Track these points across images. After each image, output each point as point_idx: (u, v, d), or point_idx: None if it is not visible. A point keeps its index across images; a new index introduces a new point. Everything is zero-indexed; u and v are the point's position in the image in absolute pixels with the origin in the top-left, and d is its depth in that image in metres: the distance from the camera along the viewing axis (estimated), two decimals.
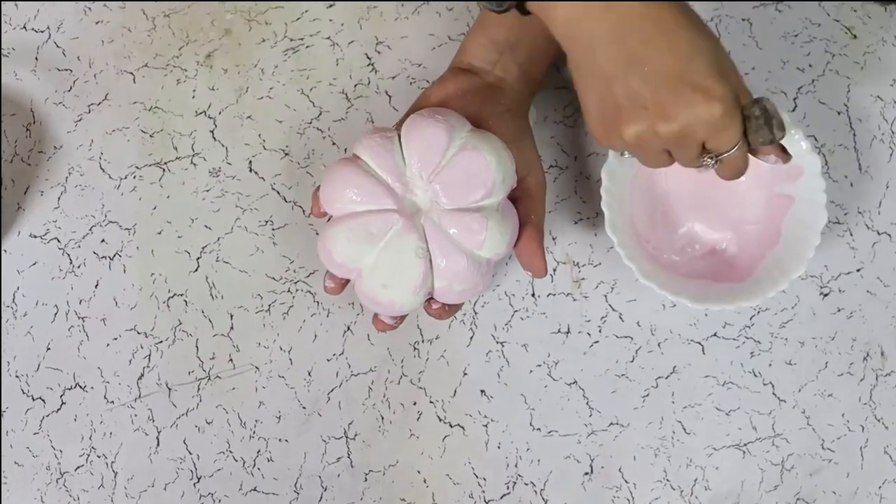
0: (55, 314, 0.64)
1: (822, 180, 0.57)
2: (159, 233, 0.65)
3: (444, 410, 0.62)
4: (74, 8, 0.67)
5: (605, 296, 0.62)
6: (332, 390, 0.62)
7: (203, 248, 0.64)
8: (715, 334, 0.62)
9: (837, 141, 0.63)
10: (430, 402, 0.62)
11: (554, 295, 0.63)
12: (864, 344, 0.61)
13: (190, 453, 0.62)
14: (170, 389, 0.63)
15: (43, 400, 0.63)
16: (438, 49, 0.65)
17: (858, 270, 0.62)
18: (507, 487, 0.61)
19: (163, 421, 0.63)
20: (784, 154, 0.49)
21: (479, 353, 0.62)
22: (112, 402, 0.63)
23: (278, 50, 0.66)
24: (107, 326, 0.64)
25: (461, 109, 0.56)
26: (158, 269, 0.64)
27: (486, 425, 0.61)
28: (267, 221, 0.64)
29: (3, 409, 0.63)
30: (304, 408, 0.62)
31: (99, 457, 0.63)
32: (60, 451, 0.63)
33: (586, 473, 0.61)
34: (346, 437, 0.62)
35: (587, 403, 0.61)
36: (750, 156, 0.49)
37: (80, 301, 0.64)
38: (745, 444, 0.61)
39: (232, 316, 0.63)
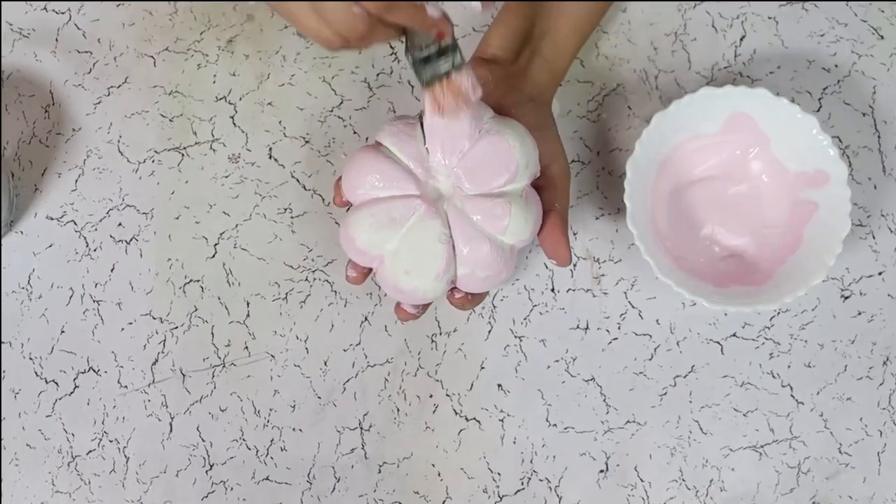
0: (70, 297, 0.64)
1: (847, 189, 0.56)
2: (177, 218, 0.64)
3: (461, 404, 0.61)
4: None
5: (625, 293, 0.62)
6: (347, 381, 0.62)
7: (221, 234, 0.64)
8: (734, 334, 0.61)
9: (862, 143, 0.63)
10: (447, 395, 0.61)
11: (573, 290, 0.62)
12: (885, 348, 0.61)
13: (203, 440, 0.62)
14: (184, 376, 0.62)
15: (56, 383, 0.63)
16: (462, 40, 0.64)
17: (880, 274, 0.62)
18: (522, 483, 0.61)
19: (176, 407, 0.62)
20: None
21: (497, 346, 0.62)
22: (125, 386, 0.63)
23: (301, 37, 0.65)
24: (122, 311, 0.63)
25: (484, 98, 0.56)
26: (175, 254, 0.64)
27: (502, 420, 0.61)
28: (286, 209, 0.64)
29: (14, 391, 0.63)
30: (319, 398, 0.62)
31: (111, 441, 0.62)
32: (73, 435, 0.62)
33: (602, 471, 0.60)
34: (361, 429, 0.61)
35: (604, 400, 0.61)
36: None
37: (96, 285, 0.64)
38: (761, 446, 0.60)
39: (248, 303, 0.63)
